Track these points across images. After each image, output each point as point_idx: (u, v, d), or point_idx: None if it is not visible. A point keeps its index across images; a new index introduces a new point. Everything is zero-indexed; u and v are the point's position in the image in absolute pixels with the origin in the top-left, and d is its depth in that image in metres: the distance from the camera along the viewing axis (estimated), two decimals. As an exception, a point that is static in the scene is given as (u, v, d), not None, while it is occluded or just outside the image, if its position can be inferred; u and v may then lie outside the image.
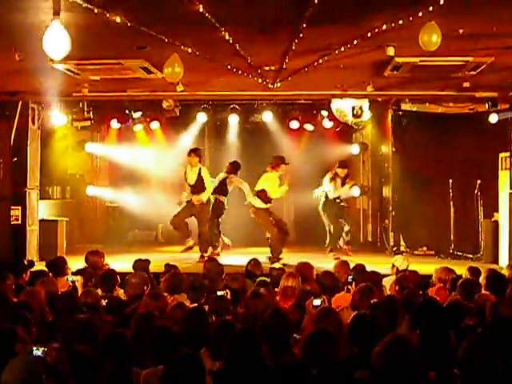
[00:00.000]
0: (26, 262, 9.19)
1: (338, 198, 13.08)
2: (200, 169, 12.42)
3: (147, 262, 8.66)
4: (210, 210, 12.86)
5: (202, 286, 6.96)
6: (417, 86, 10.62)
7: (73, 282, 7.65)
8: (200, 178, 12.34)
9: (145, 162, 15.25)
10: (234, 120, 14.25)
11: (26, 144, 11.89)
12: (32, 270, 8.36)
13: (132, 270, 8.42)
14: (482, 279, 7.35)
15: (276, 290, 7.20)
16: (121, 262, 10.32)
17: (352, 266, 8.25)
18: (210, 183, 12.57)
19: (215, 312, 5.77)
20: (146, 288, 7.07)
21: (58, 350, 4.04)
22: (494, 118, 11.80)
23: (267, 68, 8.98)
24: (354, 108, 12.51)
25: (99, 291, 7.05)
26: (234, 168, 13.01)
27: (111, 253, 11.24)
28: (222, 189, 13.00)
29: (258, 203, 12.09)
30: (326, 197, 13.00)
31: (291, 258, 11.69)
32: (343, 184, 13.06)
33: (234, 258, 11.88)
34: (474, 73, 9.23)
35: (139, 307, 6.12)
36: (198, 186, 12.36)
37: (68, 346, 4.20)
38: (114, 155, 15.71)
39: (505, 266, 9.87)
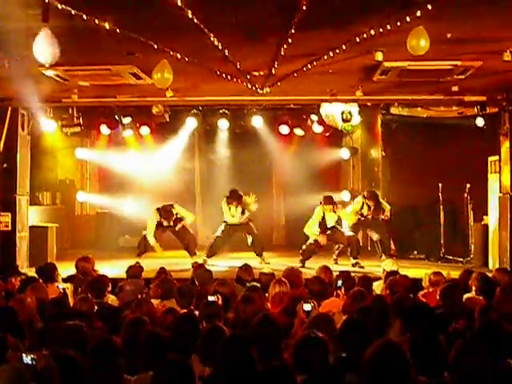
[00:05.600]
0: (16, 269, 9.16)
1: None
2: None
3: (140, 268, 8.64)
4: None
5: (190, 291, 6.94)
6: (406, 90, 10.66)
7: (63, 288, 7.61)
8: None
9: (135, 168, 15.22)
10: (223, 125, 14.22)
11: (16, 150, 11.81)
12: (22, 276, 8.34)
13: (123, 276, 8.43)
14: (470, 283, 7.37)
15: (266, 295, 7.20)
16: (111, 268, 10.32)
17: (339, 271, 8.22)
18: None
19: (206, 317, 5.75)
20: (140, 295, 7.03)
21: (47, 357, 4.01)
22: (480, 122, 11.84)
23: (256, 73, 9.00)
24: (343, 112, 12.52)
25: (89, 298, 7.01)
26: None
27: (102, 259, 11.22)
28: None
29: None
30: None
31: (281, 262, 11.69)
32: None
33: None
34: (463, 77, 9.27)
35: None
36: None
37: (58, 352, 4.18)
38: (104, 161, 15.69)
39: (494, 269, 9.90)
